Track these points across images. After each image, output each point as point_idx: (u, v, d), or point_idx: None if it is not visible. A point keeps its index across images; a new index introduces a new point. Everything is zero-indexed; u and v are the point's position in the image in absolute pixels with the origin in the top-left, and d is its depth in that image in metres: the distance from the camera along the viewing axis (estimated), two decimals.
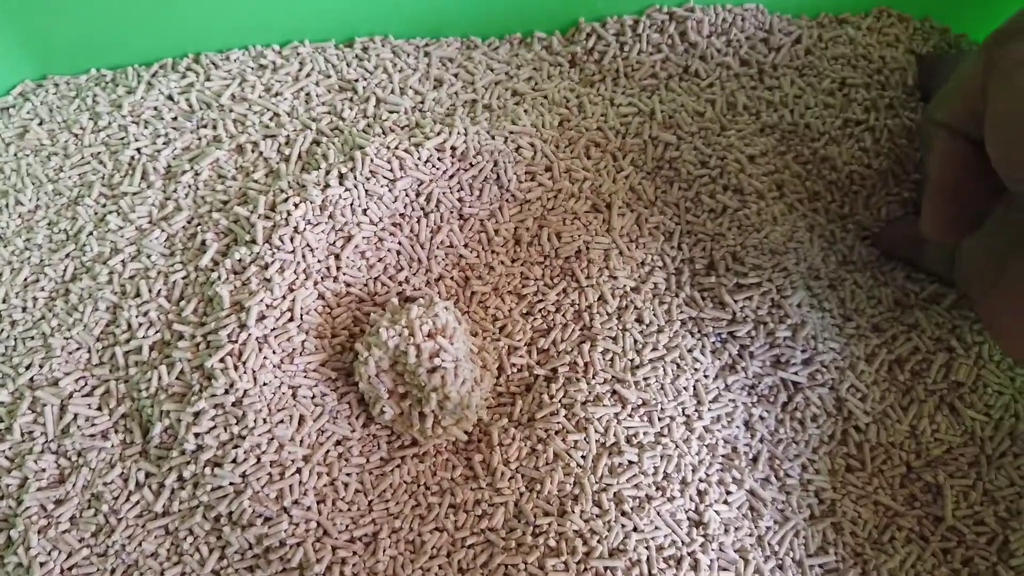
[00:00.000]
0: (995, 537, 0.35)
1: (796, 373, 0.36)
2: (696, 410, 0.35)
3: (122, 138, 0.37)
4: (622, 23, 0.43)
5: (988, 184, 0.27)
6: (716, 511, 0.34)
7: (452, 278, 0.36)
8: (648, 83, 0.42)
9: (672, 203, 0.37)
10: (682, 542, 0.33)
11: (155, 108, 0.38)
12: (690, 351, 0.36)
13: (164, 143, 0.37)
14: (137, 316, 0.33)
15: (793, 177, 0.39)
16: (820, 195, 0.40)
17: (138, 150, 0.37)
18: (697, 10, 0.43)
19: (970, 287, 0.34)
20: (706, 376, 0.36)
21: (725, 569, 0.33)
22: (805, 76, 0.42)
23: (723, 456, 0.36)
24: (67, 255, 0.35)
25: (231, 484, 0.31)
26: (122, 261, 0.34)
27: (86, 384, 0.33)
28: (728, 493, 0.35)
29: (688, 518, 0.34)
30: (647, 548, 0.33)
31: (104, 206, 0.36)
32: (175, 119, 0.38)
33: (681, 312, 0.36)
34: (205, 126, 0.38)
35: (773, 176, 0.38)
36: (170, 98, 0.39)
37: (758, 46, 0.43)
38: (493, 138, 0.36)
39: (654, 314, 0.36)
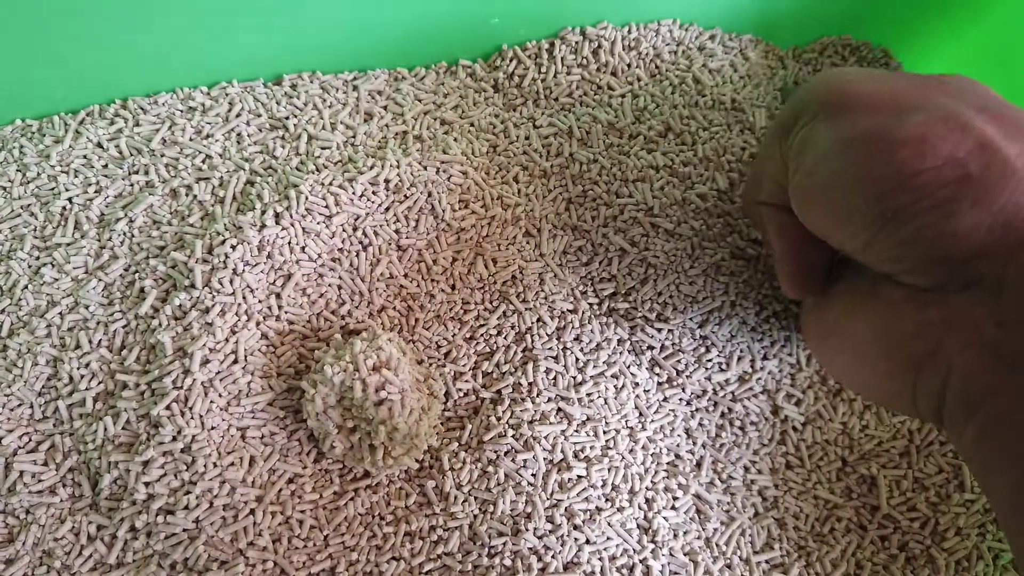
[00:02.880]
0: (928, 521, 0.37)
1: (732, 392, 0.38)
2: (639, 422, 0.36)
3: (52, 188, 0.37)
4: (539, 46, 0.44)
5: (822, 242, 0.30)
6: (664, 517, 0.35)
7: (395, 308, 0.36)
8: (566, 102, 0.43)
9: (592, 228, 0.38)
10: (633, 550, 0.34)
11: (84, 156, 0.38)
12: (628, 367, 0.37)
13: (96, 191, 0.37)
14: (79, 368, 0.33)
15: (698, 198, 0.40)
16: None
17: (70, 200, 0.37)
18: (610, 28, 0.44)
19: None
20: (646, 391, 0.37)
21: (676, 573, 0.35)
22: (692, 88, 0.44)
23: (668, 464, 0.37)
24: (2, 310, 0.34)
25: (185, 530, 0.31)
26: (60, 313, 0.34)
27: (30, 440, 0.32)
28: (675, 499, 0.36)
29: (638, 526, 0.35)
30: (600, 559, 0.34)
31: (38, 258, 0.36)
32: (106, 166, 0.38)
33: (616, 331, 0.37)
34: (137, 172, 0.38)
35: (676, 209, 0.39)
36: (99, 145, 0.38)
37: (666, 57, 0.44)
38: (425, 169, 0.37)
39: (592, 332, 0.37)
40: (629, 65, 0.44)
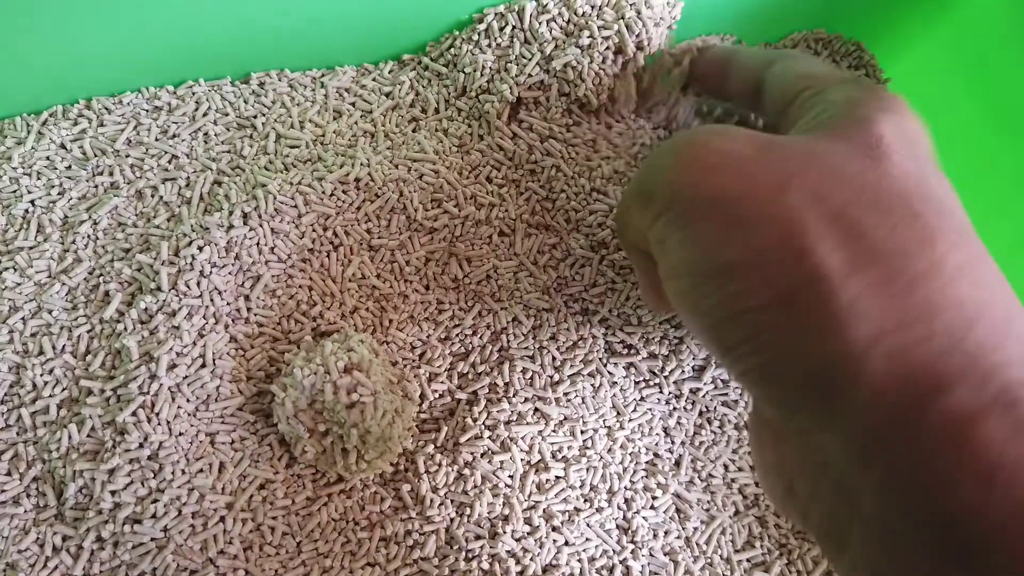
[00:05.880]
0: None
1: (709, 392, 0.38)
2: (617, 421, 0.36)
3: (14, 191, 0.36)
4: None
5: None
6: (644, 517, 0.35)
7: (367, 309, 0.35)
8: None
9: (563, 231, 0.37)
10: (613, 551, 0.34)
11: (47, 158, 0.37)
12: (605, 366, 0.36)
13: (59, 193, 0.36)
14: (42, 374, 0.32)
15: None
16: None
17: (32, 202, 0.36)
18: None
19: None
20: (623, 390, 0.37)
21: (656, 573, 0.34)
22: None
23: (647, 463, 0.36)
24: None
25: (152, 540, 0.30)
26: (22, 319, 0.33)
27: None
28: (654, 499, 0.36)
29: (617, 526, 0.35)
30: (579, 561, 0.34)
31: None
32: (69, 168, 0.37)
33: (592, 330, 0.37)
34: (101, 173, 0.37)
35: None
36: (63, 146, 0.37)
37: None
38: (396, 167, 0.36)
39: (568, 331, 0.36)
40: None
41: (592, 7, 0.38)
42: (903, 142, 0.23)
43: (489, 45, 0.39)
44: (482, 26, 0.39)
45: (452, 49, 0.41)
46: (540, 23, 0.38)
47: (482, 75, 0.39)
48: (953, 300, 0.20)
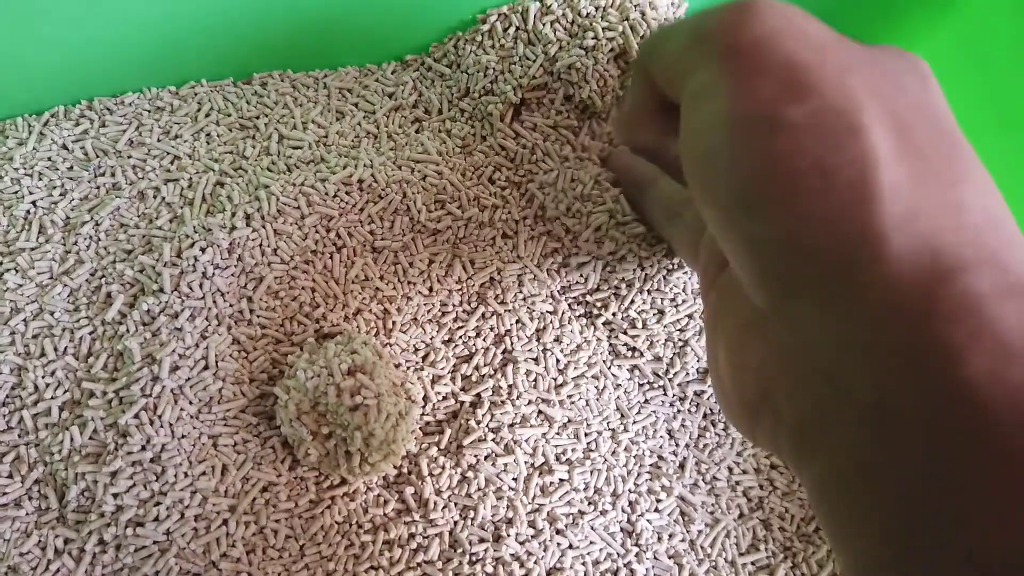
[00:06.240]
0: None
1: (711, 397, 0.37)
2: (621, 423, 0.36)
3: (16, 192, 0.36)
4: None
5: (659, 128, 0.28)
6: (648, 520, 0.35)
7: (370, 311, 0.35)
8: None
9: (563, 236, 0.37)
10: (617, 554, 0.34)
11: (49, 159, 0.37)
12: (609, 368, 0.36)
13: (61, 194, 0.36)
14: (44, 376, 0.32)
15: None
16: None
17: (33, 203, 0.36)
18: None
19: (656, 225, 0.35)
20: (627, 392, 0.36)
21: None
22: None
23: (651, 466, 0.36)
24: None
25: (155, 543, 0.30)
26: (24, 320, 0.33)
27: None
28: (659, 501, 0.35)
29: (622, 529, 0.35)
30: (583, 564, 0.33)
31: (0, 264, 0.34)
32: (71, 169, 0.37)
33: (596, 333, 0.37)
34: (103, 174, 0.37)
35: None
36: (64, 147, 0.37)
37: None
38: (400, 168, 0.36)
39: (572, 333, 0.36)
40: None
41: (596, 8, 0.38)
42: (931, 78, 0.24)
43: (492, 46, 0.39)
44: (485, 27, 0.39)
45: (455, 50, 0.41)
46: (544, 24, 0.38)
47: (485, 76, 0.39)
48: (980, 206, 0.21)
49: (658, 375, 0.37)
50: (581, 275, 0.36)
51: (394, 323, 0.35)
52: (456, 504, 0.33)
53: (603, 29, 0.37)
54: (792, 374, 0.22)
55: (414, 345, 0.35)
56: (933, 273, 0.19)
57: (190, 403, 0.32)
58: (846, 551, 0.21)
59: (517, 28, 0.38)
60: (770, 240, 0.22)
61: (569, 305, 0.37)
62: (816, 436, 0.22)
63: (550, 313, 0.36)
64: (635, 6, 0.37)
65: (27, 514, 0.31)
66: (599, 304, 0.36)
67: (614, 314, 0.36)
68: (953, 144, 0.22)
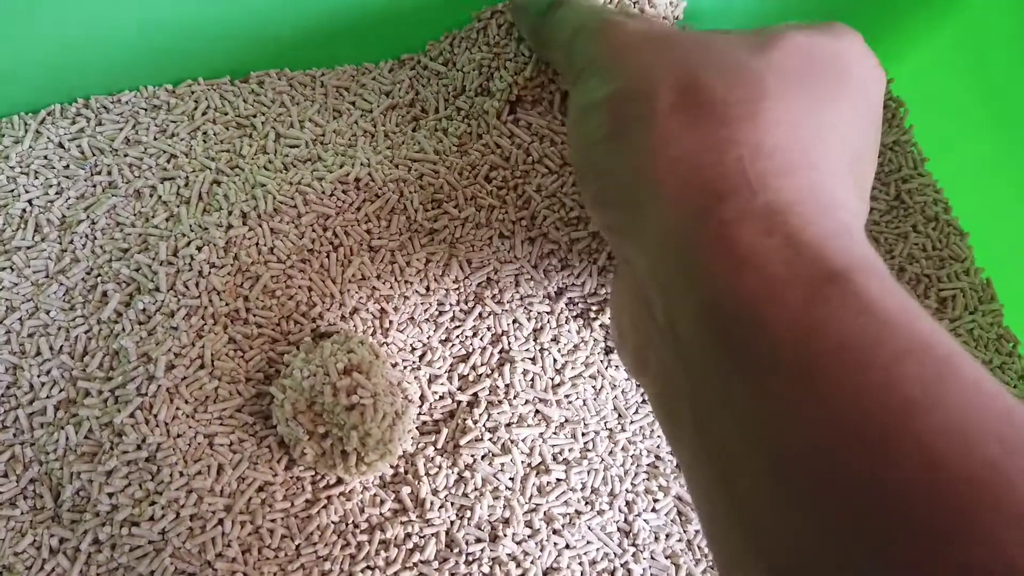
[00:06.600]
0: None
1: None
2: (618, 423, 0.36)
3: (11, 190, 0.36)
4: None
5: None
6: (645, 520, 0.35)
7: (367, 310, 0.35)
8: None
9: (559, 241, 0.37)
10: (614, 554, 0.34)
11: (45, 157, 0.37)
12: (607, 368, 0.36)
13: (57, 193, 0.36)
14: (39, 375, 0.32)
15: None
16: None
17: (29, 202, 0.36)
18: None
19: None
20: (624, 392, 0.36)
21: None
22: None
23: (648, 465, 0.36)
24: None
25: (150, 542, 0.30)
26: (19, 319, 0.33)
27: None
28: (656, 501, 0.35)
29: (619, 529, 0.35)
30: (580, 564, 0.33)
31: None
32: (67, 167, 0.37)
33: (593, 333, 0.37)
34: (99, 173, 0.37)
35: None
36: (61, 145, 0.37)
37: None
38: (396, 167, 0.36)
39: (570, 333, 0.36)
40: None
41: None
42: (803, 50, 0.25)
43: (487, 44, 0.39)
44: (480, 24, 0.39)
45: (451, 48, 0.41)
46: None
47: (480, 74, 0.39)
48: (752, 140, 0.22)
49: None
50: (577, 279, 0.36)
51: (391, 322, 0.35)
52: (453, 504, 0.33)
53: None
54: (629, 307, 0.26)
55: (411, 344, 0.35)
56: (695, 207, 0.22)
57: (186, 402, 0.32)
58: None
59: (512, 25, 0.38)
60: (596, 196, 0.27)
61: (566, 305, 0.37)
62: (645, 358, 0.25)
63: (547, 313, 0.36)
64: (634, 3, 0.37)
65: (22, 513, 0.31)
66: (595, 308, 0.36)
67: (611, 319, 0.36)
68: (753, 85, 0.24)
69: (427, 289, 0.36)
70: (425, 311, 0.36)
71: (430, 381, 0.35)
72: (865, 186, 0.26)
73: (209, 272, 0.33)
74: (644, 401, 0.37)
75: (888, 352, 0.18)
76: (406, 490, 0.33)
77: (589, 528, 0.34)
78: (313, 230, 0.35)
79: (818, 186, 0.22)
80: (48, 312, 0.33)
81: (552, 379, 0.36)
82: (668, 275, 0.22)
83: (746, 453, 0.19)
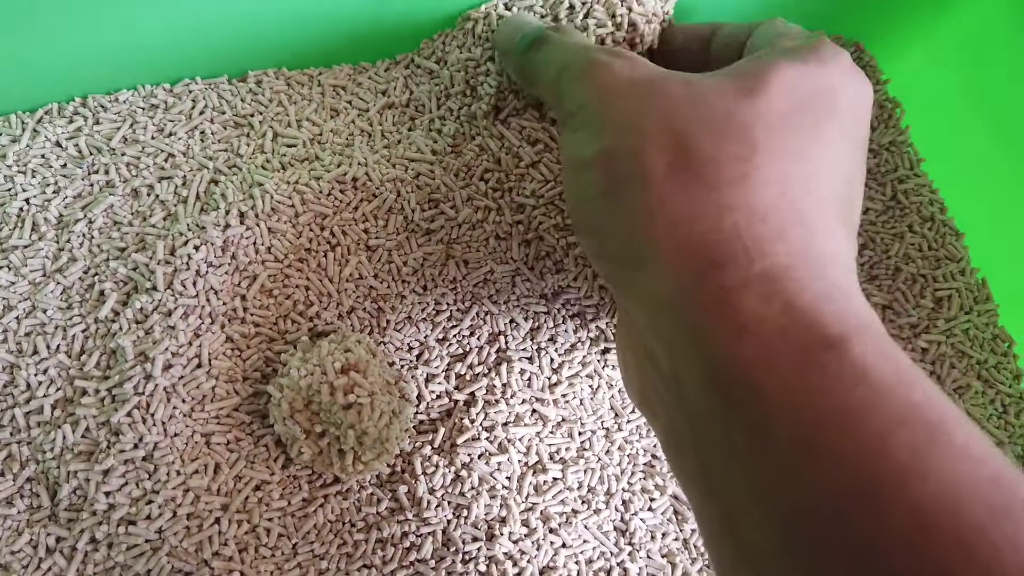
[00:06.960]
0: None
1: None
2: (615, 422, 0.36)
3: (9, 189, 0.36)
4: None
5: None
6: (641, 519, 0.35)
7: (364, 310, 0.35)
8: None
9: (556, 244, 0.37)
10: (611, 553, 0.34)
11: (42, 156, 0.37)
12: (604, 367, 0.36)
13: (54, 192, 0.36)
14: (36, 374, 0.32)
15: None
16: None
17: (26, 201, 0.36)
18: None
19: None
20: (621, 391, 0.36)
21: (654, 575, 0.34)
22: None
23: (644, 465, 0.36)
24: None
25: (147, 541, 0.30)
26: (16, 318, 0.33)
27: None
28: (652, 500, 0.35)
29: (615, 528, 0.35)
30: (576, 563, 0.33)
31: None
32: (64, 166, 0.37)
33: (589, 333, 0.37)
34: (97, 172, 0.37)
35: None
36: (58, 144, 0.37)
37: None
38: (393, 167, 0.36)
39: (567, 332, 0.36)
40: None
41: (582, 3, 0.38)
42: (790, 88, 0.25)
43: (476, 43, 0.39)
44: (470, 23, 0.39)
45: (443, 47, 0.41)
46: None
47: (467, 73, 0.38)
48: (745, 204, 0.23)
49: None
50: (575, 281, 0.36)
51: (388, 321, 0.35)
52: (449, 503, 0.33)
53: (595, 25, 0.37)
54: (633, 349, 0.26)
55: (408, 344, 0.35)
56: (693, 271, 0.23)
57: (183, 401, 0.32)
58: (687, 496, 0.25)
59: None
60: (587, 251, 0.27)
61: (563, 305, 0.37)
62: (650, 397, 0.26)
63: (544, 313, 0.36)
64: (622, 1, 0.37)
65: (19, 512, 0.31)
66: (591, 311, 0.36)
67: (607, 323, 0.36)
68: (741, 140, 0.24)
69: (424, 288, 0.36)
70: (422, 310, 0.36)
71: (427, 380, 0.35)
72: (854, 220, 0.27)
73: (207, 271, 0.33)
74: None
75: (882, 419, 0.19)
76: (403, 489, 0.33)
77: (586, 527, 0.34)
78: (311, 229, 0.35)
79: (810, 245, 0.23)
80: (45, 311, 0.33)
81: (549, 378, 0.36)
82: (669, 332, 0.23)
83: (749, 502, 0.20)
